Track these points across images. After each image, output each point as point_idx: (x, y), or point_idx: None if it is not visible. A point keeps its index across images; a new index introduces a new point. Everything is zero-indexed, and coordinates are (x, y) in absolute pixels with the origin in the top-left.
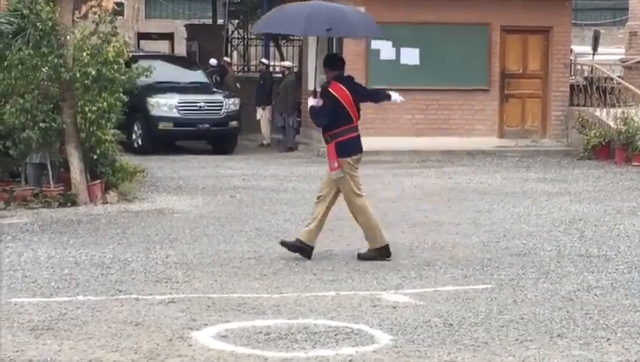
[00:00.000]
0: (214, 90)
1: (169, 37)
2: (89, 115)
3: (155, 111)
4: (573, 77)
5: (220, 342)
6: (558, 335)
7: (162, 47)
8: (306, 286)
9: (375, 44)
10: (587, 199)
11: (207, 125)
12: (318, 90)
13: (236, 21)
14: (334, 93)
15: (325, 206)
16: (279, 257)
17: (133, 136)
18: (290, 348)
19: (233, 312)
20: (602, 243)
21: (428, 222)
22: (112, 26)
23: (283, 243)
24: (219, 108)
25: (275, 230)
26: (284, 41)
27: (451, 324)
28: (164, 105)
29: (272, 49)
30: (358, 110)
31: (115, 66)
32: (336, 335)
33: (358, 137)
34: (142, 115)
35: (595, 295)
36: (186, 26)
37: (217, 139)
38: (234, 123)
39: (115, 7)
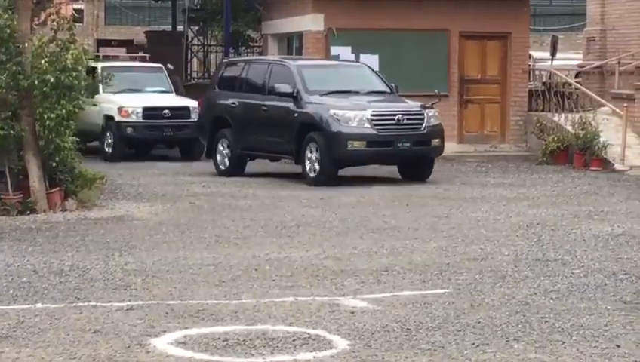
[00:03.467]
0: (401, 96)
1: (129, 44)
2: (48, 122)
3: (340, 127)
4: (532, 82)
5: (179, 348)
6: (515, 339)
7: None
8: (265, 293)
9: (335, 50)
10: (545, 204)
11: (407, 144)
12: None
13: (196, 28)
14: None
15: None
16: (238, 263)
17: (307, 165)
18: (248, 354)
19: (192, 319)
20: (559, 248)
21: (386, 227)
22: (71, 33)
23: None
24: (419, 121)
25: (234, 236)
26: (244, 47)
27: (409, 329)
28: (352, 118)
29: (232, 55)
30: None
31: (74, 73)
32: (294, 340)
33: None
34: (320, 134)
35: (552, 299)
36: (145, 32)
37: (414, 162)
38: (436, 141)
39: (74, 14)
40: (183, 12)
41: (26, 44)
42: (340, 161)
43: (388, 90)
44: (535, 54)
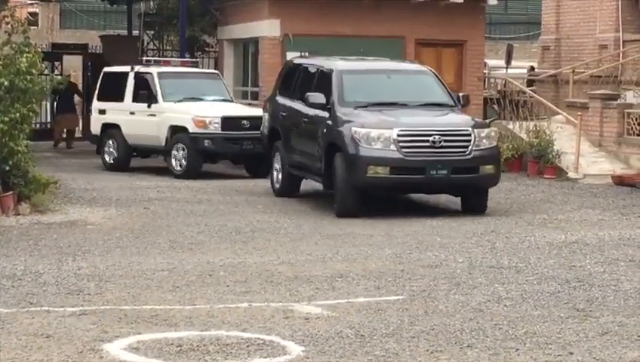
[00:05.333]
0: (453, 110)
1: (83, 48)
2: (1, 125)
3: (360, 148)
4: (487, 90)
5: (132, 353)
6: (468, 346)
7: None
8: (219, 298)
9: (290, 56)
10: (499, 211)
11: (443, 171)
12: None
13: (152, 32)
14: None
15: None
16: (192, 269)
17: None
18: (202, 359)
19: (145, 324)
20: (513, 255)
21: (341, 233)
22: (25, 36)
23: None
24: (463, 143)
25: (188, 242)
26: (199, 52)
27: (363, 335)
28: (375, 138)
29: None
30: None
31: (29, 77)
32: (248, 346)
33: None
34: (341, 156)
35: (505, 306)
36: (101, 37)
37: (461, 193)
38: (488, 169)
39: (29, 17)
40: (138, 16)
41: None
42: (359, 190)
43: (450, 103)
44: (490, 62)
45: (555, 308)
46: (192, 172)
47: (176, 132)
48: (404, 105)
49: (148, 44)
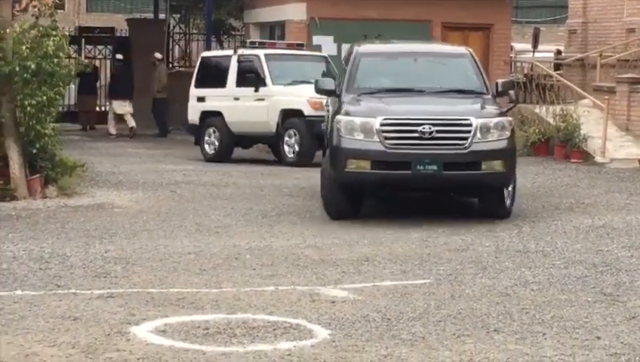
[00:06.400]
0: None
1: (110, 31)
2: (28, 108)
3: (340, 139)
4: (514, 74)
5: (159, 336)
6: (495, 330)
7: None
8: (245, 281)
9: (317, 40)
10: (526, 195)
11: (432, 167)
12: None
13: (178, 16)
14: None
15: None
16: (219, 252)
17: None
18: (228, 342)
19: (172, 307)
20: (540, 239)
21: (368, 217)
22: (52, 19)
23: None
24: (461, 134)
25: (215, 225)
26: (225, 36)
27: (389, 319)
28: (357, 128)
29: (213, 43)
30: None
31: (56, 60)
32: (274, 329)
33: None
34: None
35: (532, 290)
36: (127, 20)
37: (460, 192)
38: (495, 165)
39: (56, 0)
40: (165, 0)
41: (7, 30)
42: (342, 187)
43: (481, 90)
44: (517, 46)
45: (582, 292)
46: (306, 158)
47: (289, 116)
48: (420, 92)
49: (174, 27)
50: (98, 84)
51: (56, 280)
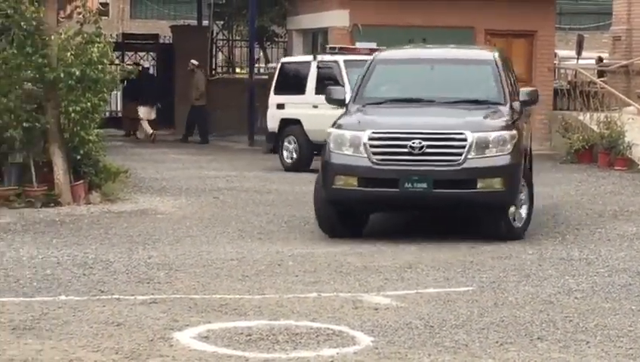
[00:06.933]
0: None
1: (154, 38)
2: (73, 115)
3: (330, 154)
4: (557, 81)
5: (202, 342)
6: (538, 338)
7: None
8: (288, 288)
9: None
10: (569, 203)
11: (421, 184)
12: None
13: (221, 22)
14: None
15: None
16: (261, 258)
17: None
18: (271, 349)
19: (215, 313)
20: (583, 247)
21: (411, 224)
22: (97, 26)
23: None
24: (454, 149)
25: (257, 231)
26: (268, 43)
27: (432, 326)
28: (346, 142)
29: (256, 50)
30: None
31: (100, 67)
32: (317, 336)
33: None
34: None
35: (576, 298)
36: (171, 27)
37: (456, 212)
38: (493, 183)
39: (100, 7)
40: (208, 7)
41: (52, 37)
42: (332, 204)
43: (498, 100)
44: (560, 53)
45: (626, 300)
46: None
47: None
48: (429, 102)
49: (217, 34)
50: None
51: (99, 286)
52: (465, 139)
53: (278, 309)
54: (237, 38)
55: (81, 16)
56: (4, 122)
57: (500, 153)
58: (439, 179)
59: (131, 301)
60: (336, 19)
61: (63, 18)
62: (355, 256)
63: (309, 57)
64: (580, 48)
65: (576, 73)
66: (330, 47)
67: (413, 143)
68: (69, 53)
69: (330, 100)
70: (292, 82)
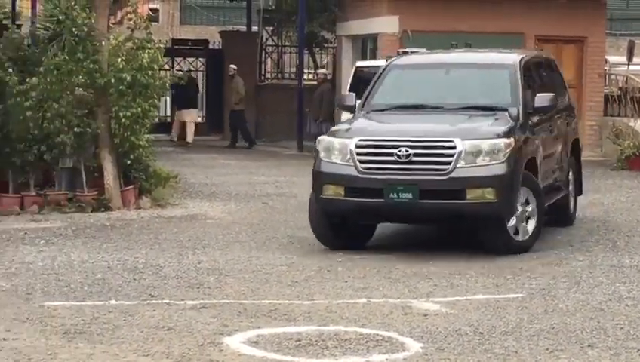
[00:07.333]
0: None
1: (204, 43)
2: (123, 120)
3: (320, 163)
4: (608, 87)
5: (251, 347)
6: (589, 346)
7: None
8: (337, 294)
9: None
10: (620, 210)
11: (406, 194)
12: None
13: (270, 28)
14: None
15: None
16: (311, 264)
17: None
18: (320, 354)
19: (264, 318)
20: (634, 254)
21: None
22: (147, 32)
23: None
24: (443, 156)
25: (306, 237)
26: (318, 48)
27: (482, 333)
28: (335, 150)
29: (306, 56)
30: None
31: (150, 72)
32: (366, 342)
33: None
34: None
35: (627, 305)
36: (220, 32)
37: (448, 224)
38: (485, 193)
39: (150, 13)
40: (257, 12)
41: (103, 43)
42: (323, 214)
43: (510, 108)
44: (611, 59)
45: None
46: None
47: None
48: (436, 109)
49: (267, 40)
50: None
51: (149, 291)
52: (454, 147)
53: (327, 315)
54: (286, 43)
55: (131, 22)
56: (55, 127)
57: (494, 162)
58: (425, 189)
59: (181, 306)
60: (386, 25)
61: (113, 24)
62: (404, 262)
63: (383, 61)
64: (630, 54)
65: (627, 79)
66: (403, 51)
67: (400, 151)
68: (119, 59)
69: (341, 107)
70: (366, 87)
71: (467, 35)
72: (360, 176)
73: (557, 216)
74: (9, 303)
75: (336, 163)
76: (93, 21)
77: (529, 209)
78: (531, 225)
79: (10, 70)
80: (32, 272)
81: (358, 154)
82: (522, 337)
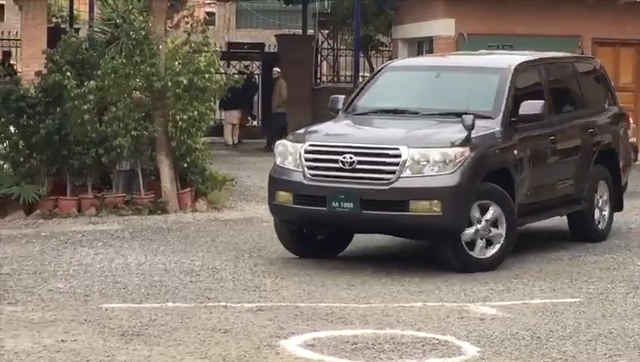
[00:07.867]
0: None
1: (260, 47)
2: (180, 123)
3: (275, 168)
4: None
5: (308, 350)
6: None
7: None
8: (394, 297)
9: None
10: None
11: (348, 204)
12: None
13: (326, 31)
14: None
15: None
16: (366, 267)
17: None
18: (377, 357)
19: (321, 321)
20: None
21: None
22: (204, 35)
23: None
24: (387, 165)
25: (363, 240)
26: (373, 51)
27: (539, 337)
28: (289, 155)
29: (361, 59)
30: None
31: (207, 75)
32: (423, 346)
33: None
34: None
35: None
36: (276, 36)
37: (397, 235)
38: (431, 205)
39: (207, 17)
40: (313, 16)
41: (160, 46)
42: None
43: (486, 113)
44: None
45: None
46: None
47: None
48: (414, 114)
49: (322, 43)
50: (255, 98)
51: (206, 293)
52: (398, 155)
53: (383, 318)
54: (342, 47)
55: (188, 25)
56: (113, 130)
57: (443, 172)
58: (367, 199)
59: (238, 308)
60: (442, 28)
61: (170, 27)
62: None
63: None
64: None
65: None
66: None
67: (344, 158)
68: (176, 62)
69: (330, 109)
70: None
71: (523, 37)
72: (306, 183)
73: (580, 231)
74: (67, 305)
75: (288, 168)
76: (150, 25)
77: (496, 224)
78: (498, 242)
79: (69, 74)
80: (89, 274)
81: (306, 160)
82: (580, 342)
